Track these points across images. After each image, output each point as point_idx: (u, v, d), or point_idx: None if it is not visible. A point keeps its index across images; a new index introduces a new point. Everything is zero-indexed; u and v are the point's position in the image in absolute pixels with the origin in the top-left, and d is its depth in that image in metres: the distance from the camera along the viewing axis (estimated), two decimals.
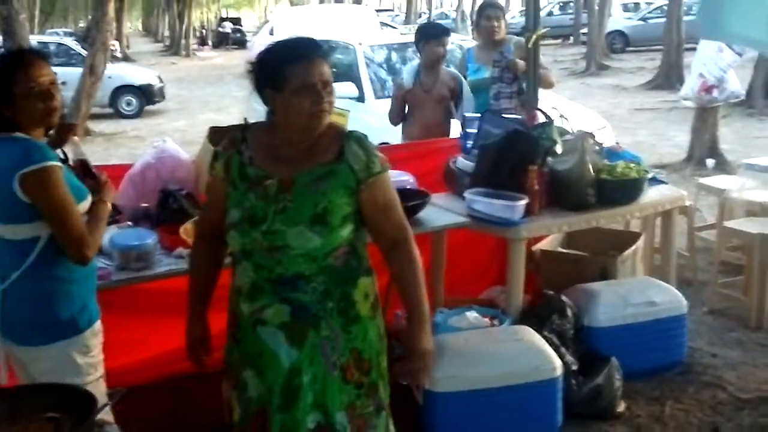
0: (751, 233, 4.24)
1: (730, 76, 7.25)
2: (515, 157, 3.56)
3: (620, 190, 3.63)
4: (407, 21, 28.41)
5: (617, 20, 24.71)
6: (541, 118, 4.17)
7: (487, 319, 3.41)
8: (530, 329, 3.22)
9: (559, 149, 3.73)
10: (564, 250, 4.21)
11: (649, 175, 3.86)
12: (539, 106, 4.75)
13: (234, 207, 1.97)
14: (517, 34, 5.14)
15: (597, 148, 3.83)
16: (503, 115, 4.06)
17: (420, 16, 33.39)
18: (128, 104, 14.13)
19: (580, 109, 6.72)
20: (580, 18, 24.51)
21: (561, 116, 4.41)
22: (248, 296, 2.00)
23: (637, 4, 27.03)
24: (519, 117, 4.08)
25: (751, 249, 4.27)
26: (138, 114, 14.06)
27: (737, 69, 7.37)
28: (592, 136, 3.95)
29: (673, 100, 11.24)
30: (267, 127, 2.03)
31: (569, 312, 3.47)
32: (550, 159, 3.67)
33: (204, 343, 2.18)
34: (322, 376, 1.98)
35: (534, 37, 4.31)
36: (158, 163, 3.01)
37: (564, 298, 3.52)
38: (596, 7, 19.45)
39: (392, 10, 36.09)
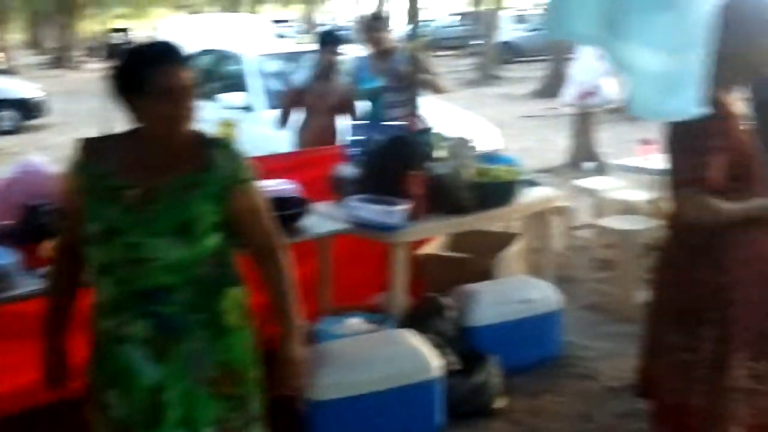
0: (620, 230, 4.48)
1: (606, 83, 7.62)
2: (397, 163, 3.65)
3: (496, 192, 3.78)
4: (306, 32, 28.42)
5: (507, 32, 25.48)
6: (424, 125, 4.30)
7: (369, 325, 3.47)
8: (412, 332, 3.30)
9: (439, 154, 3.85)
10: (448, 253, 4.33)
11: (523, 178, 4.03)
12: (425, 113, 4.91)
13: (92, 220, 1.91)
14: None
15: (474, 153, 3.97)
16: (387, 123, 4.16)
17: (320, 27, 33.47)
18: (6, 119, 13.47)
19: (471, 117, 6.93)
20: (474, 30, 25.13)
21: (442, 123, 4.56)
22: (110, 312, 1.94)
23: (525, 17, 27.90)
24: (403, 124, 4.19)
25: (621, 245, 4.51)
26: (17, 130, 13.44)
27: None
28: (470, 141, 4.09)
29: (558, 107, 11.67)
30: (130, 135, 1.99)
31: (450, 313, 3.58)
32: (431, 164, 3.78)
33: (63, 368, 2.10)
34: (189, 392, 1.94)
35: (415, 46, 4.42)
36: (23, 178, 2.92)
37: (445, 299, 3.63)
38: (487, 20, 19.99)
39: (291, 21, 35.99)
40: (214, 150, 2.01)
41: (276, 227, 2.12)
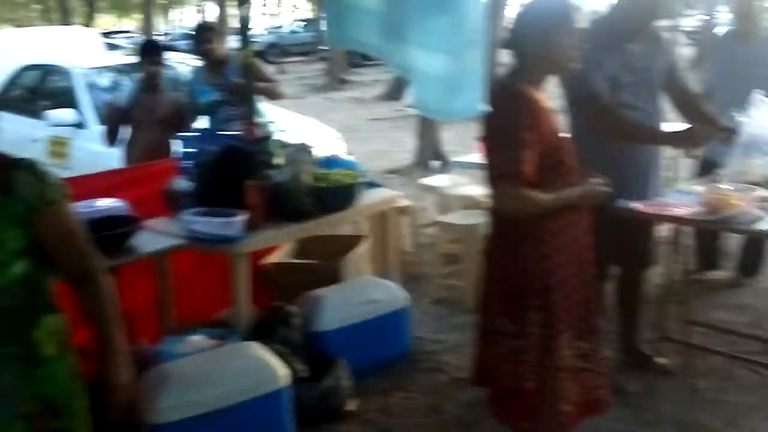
0: (461, 225, 4.62)
1: None
2: (233, 174, 3.58)
3: (336, 196, 3.78)
4: None
5: None
6: (263, 133, 4.25)
7: (213, 341, 3.39)
8: (257, 344, 3.25)
9: (278, 162, 3.82)
10: (295, 260, 4.30)
11: (364, 180, 4.06)
12: (265, 121, 4.85)
13: None
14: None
15: (313, 158, 3.96)
16: (221, 133, 4.08)
17: (162, 36, 32.51)
18: None
19: (312, 122, 6.92)
20: (322, 35, 25.23)
21: (281, 130, 4.53)
22: None
23: None
24: (238, 133, 4.12)
25: (463, 240, 4.65)
26: None
27: None
28: (309, 147, 4.09)
29: (403, 108, 11.93)
30: None
31: (296, 320, 3.56)
32: (269, 172, 3.74)
33: None
34: (3, 429, 1.82)
35: (246, 55, 4.35)
36: None
37: (291, 307, 3.60)
38: None
39: (130, 32, 34.67)
40: (17, 171, 1.89)
41: (93, 250, 2.01)
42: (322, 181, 3.76)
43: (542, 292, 2.40)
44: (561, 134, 2.45)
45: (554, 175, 2.39)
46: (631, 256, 3.39)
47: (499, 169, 2.33)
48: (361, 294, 3.79)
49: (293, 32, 31.57)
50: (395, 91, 15.50)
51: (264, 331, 3.47)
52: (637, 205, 3.01)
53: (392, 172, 8.58)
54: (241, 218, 3.39)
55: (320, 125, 6.82)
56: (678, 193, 3.17)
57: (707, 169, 4.03)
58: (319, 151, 5.48)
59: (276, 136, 4.29)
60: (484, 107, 2.20)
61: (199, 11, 36.05)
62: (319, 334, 3.59)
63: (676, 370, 3.52)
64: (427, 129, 8.62)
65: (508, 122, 2.31)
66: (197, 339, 3.39)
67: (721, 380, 3.48)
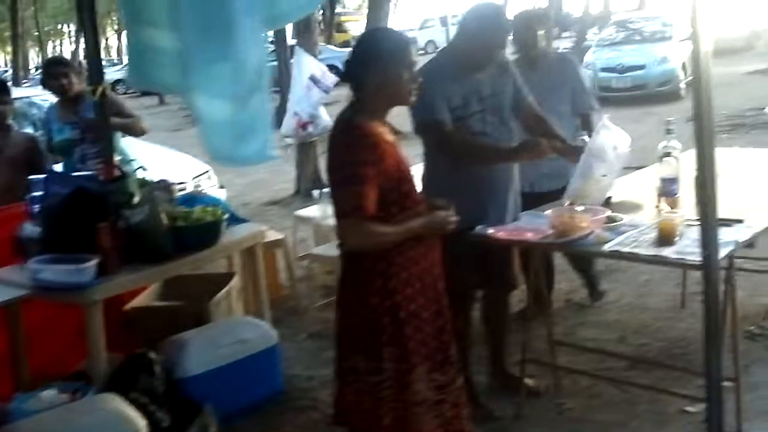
0: (335, 256, 4.54)
1: (322, 112, 7.82)
2: (82, 217, 3.41)
3: (197, 235, 3.64)
4: (15, 79, 26.25)
5: None
6: (121, 172, 4.07)
7: (67, 395, 3.19)
8: (114, 395, 3.08)
9: (135, 201, 3.66)
10: (158, 303, 4.13)
11: (229, 216, 3.95)
12: (130, 158, 4.67)
13: None
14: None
15: (172, 196, 3.83)
16: (70, 174, 3.89)
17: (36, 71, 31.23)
18: None
19: (181, 157, 6.74)
20: None
21: (141, 167, 4.36)
22: None
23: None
24: (90, 173, 3.94)
25: (337, 271, 4.59)
26: None
27: (337, 104, 7.97)
28: (171, 184, 3.96)
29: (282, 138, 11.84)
30: None
31: (157, 367, 3.40)
32: (125, 213, 3.58)
33: None
34: None
35: (100, 89, 4.18)
36: None
37: (151, 354, 3.44)
38: None
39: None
40: None
41: None
42: (182, 219, 3.63)
43: (394, 326, 2.37)
44: (405, 166, 2.44)
45: (399, 207, 2.38)
46: (495, 280, 3.43)
47: (342, 204, 2.30)
48: (228, 335, 3.67)
49: None
50: (278, 119, 15.37)
51: (123, 380, 3.30)
52: (492, 231, 3.04)
53: (273, 203, 8.48)
54: (92, 264, 3.22)
55: (190, 159, 6.64)
56: (534, 217, 3.22)
57: None
58: (186, 187, 5.37)
59: (136, 174, 4.13)
60: (275, 153, 2.21)
61: (71, 43, 34.88)
62: (184, 380, 3.44)
63: (544, 391, 3.57)
64: (306, 158, 8.57)
65: (348, 158, 2.29)
66: (50, 394, 3.18)
67: (589, 399, 3.54)
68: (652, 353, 3.94)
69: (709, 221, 2.34)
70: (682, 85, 14.43)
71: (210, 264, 4.45)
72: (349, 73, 2.42)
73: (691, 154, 4.43)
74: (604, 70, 14.35)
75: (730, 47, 20.47)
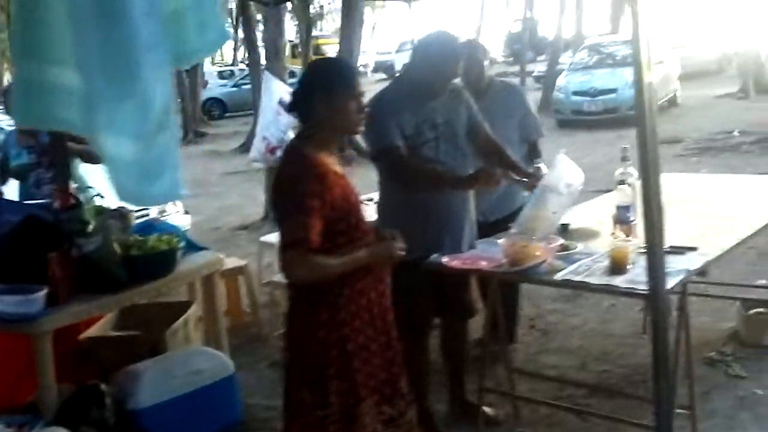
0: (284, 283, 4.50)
1: (291, 137, 7.78)
2: (34, 245, 3.35)
3: (152, 264, 3.59)
4: None
5: (213, 88, 25.52)
6: (77, 200, 4.02)
7: (13, 429, 3.11)
8: (62, 429, 3.01)
9: (90, 230, 3.60)
10: (114, 333, 4.06)
11: (186, 244, 3.90)
12: (85, 185, 4.61)
13: None
14: None
15: (127, 224, 3.78)
16: (21, 202, 3.83)
17: None
18: None
19: None
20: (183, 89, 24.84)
21: (98, 195, 4.31)
22: None
23: (232, 72, 28.12)
24: (43, 201, 3.88)
25: None
26: None
27: None
28: (126, 212, 3.90)
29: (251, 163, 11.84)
30: None
31: (108, 399, 3.33)
32: (79, 241, 3.53)
33: None
34: None
35: None
36: None
37: (102, 385, 3.37)
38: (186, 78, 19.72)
39: None
40: None
41: None
42: (136, 248, 3.57)
43: (342, 359, 2.34)
44: (354, 197, 2.42)
45: (347, 238, 2.35)
46: (452, 307, 3.40)
47: (287, 236, 2.27)
48: (183, 365, 3.60)
49: None
50: (251, 143, 15.35)
51: (73, 413, 3.23)
52: (446, 259, 3.02)
53: (242, 227, 8.43)
54: (41, 294, 3.15)
55: None
56: (490, 245, 3.20)
57: None
58: (150, 213, 5.29)
59: (92, 202, 4.07)
60: (184, 192, 2.19)
61: None
62: (136, 412, 3.37)
63: (503, 419, 3.54)
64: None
65: (294, 189, 2.27)
66: None
67: (548, 428, 3.51)
68: (613, 380, 3.93)
69: (655, 251, 2.33)
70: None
71: (173, 292, 4.41)
72: (296, 104, 2.41)
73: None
74: (576, 93, 14.49)
75: (702, 70, 20.82)
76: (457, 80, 3.41)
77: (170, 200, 2.11)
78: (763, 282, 4.95)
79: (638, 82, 2.25)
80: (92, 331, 3.98)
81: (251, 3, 14.91)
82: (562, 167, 3.02)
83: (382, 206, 3.32)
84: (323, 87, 2.35)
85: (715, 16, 24.21)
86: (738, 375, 3.84)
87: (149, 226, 3.99)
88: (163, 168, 2.04)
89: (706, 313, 4.54)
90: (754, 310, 4.22)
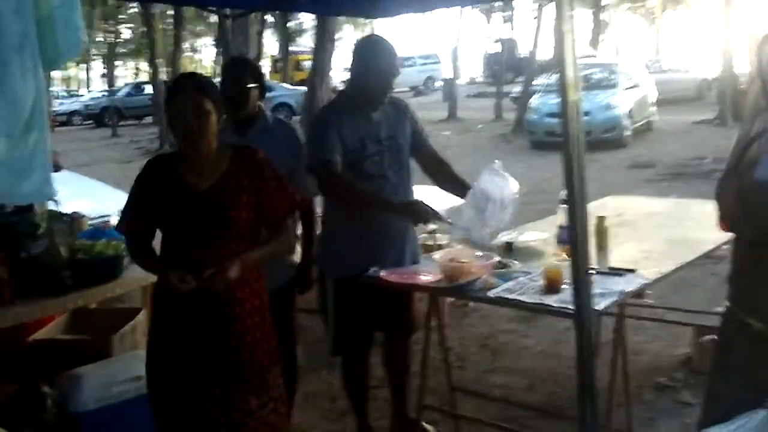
0: None
1: None
2: None
3: (98, 268, 3.60)
4: None
5: None
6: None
7: None
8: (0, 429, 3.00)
9: (36, 233, 3.61)
10: (62, 336, 4.05)
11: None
12: None
13: None
14: None
15: (73, 229, 3.80)
16: None
17: None
18: None
19: (105, 189, 6.72)
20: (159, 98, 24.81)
21: (53, 200, 4.30)
22: None
23: None
24: None
25: None
26: None
27: None
28: (79, 216, 3.91)
29: None
30: None
31: (49, 401, 3.32)
32: (27, 244, 3.53)
33: None
34: None
35: None
36: None
37: (44, 387, 3.36)
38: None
39: None
40: None
41: None
42: (83, 253, 3.58)
43: None
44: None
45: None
46: (393, 323, 3.41)
47: None
48: (127, 370, 3.58)
49: (129, 95, 30.90)
50: None
51: (13, 413, 3.22)
52: (384, 274, 3.04)
53: None
54: None
55: (114, 192, 6.55)
56: (432, 260, 3.22)
57: None
58: (111, 220, 5.28)
59: (44, 206, 4.06)
60: (54, 190, 2.25)
61: None
62: (77, 415, 3.35)
63: None
64: None
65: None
66: None
67: None
68: (561, 402, 3.93)
69: (579, 273, 2.36)
70: (628, 132, 14.75)
71: (129, 299, 4.40)
72: None
73: (605, 202, 4.55)
74: (549, 115, 14.61)
75: (682, 96, 21.07)
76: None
77: (40, 199, 2.17)
78: (719, 309, 4.96)
79: (563, 102, 2.27)
80: (41, 334, 3.97)
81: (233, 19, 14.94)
82: (492, 177, 3.03)
83: (325, 218, 3.34)
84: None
85: (698, 42, 24.53)
86: (686, 402, 3.84)
87: (99, 232, 3.99)
88: (32, 167, 2.10)
89: (662, 339, 4.58)
90: (708, 337, 4.14)
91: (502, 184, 3.00)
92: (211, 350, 2.46)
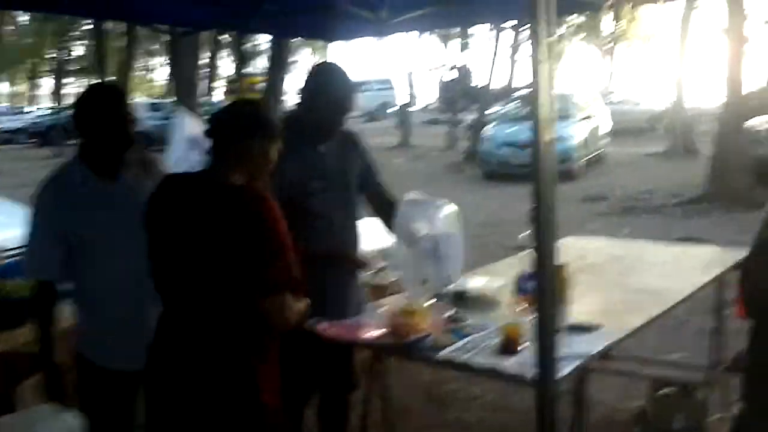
0: None
1: None
2: None
3: (6, 310, 3.24)
4: None
5: (143, 120, 24.91)
6: None
7: None
8: None
9: None
10: None
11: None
12: None
13: None
14: None
15: None
16: None
17: None
18: None
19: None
20: None
21: None
22: None
23: (158, 106, 27.55)
24: None
25: None
26: None
27: None
28: None
29: None
30: None
31: None
32: None
33: None
34: None
35: None
36: None
37: None
38: None
39: None
40: None
41: None
42: None
43: None
44: None
45: None
46: (332, 379, 3.09)
47: None
48: (33, 426, 3.20)
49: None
50: None
51: None
52: (324, 326, 2.72)
53: None
54: None
55: None
56: (377, 313, 2.91)
57: None
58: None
59: None
60: None
61: None
62: None
63: None
64: None
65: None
66: None
67: None
68: None
69: (546, 338, 2.09)
70: (581, 163, 14.69)
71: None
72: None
73: (566, 243, 4.30)
74: (503, 145, 14.50)
75: (635, 128, 21.29)
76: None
77: None
78: (676, 357, 4.76)
79: (537, 142, 2.01)
80: None
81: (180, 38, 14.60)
82: (412, 210, 2.76)
83: None
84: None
85: (649, 74, 24.91)
86: None
87: (14, 268, 3.60)
88: None
89: (612, 390, 4.29)
90: (664, 390, 3.81)
91: (432, 214, 2.71)
92: None
